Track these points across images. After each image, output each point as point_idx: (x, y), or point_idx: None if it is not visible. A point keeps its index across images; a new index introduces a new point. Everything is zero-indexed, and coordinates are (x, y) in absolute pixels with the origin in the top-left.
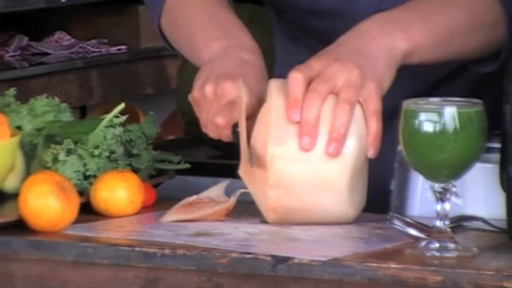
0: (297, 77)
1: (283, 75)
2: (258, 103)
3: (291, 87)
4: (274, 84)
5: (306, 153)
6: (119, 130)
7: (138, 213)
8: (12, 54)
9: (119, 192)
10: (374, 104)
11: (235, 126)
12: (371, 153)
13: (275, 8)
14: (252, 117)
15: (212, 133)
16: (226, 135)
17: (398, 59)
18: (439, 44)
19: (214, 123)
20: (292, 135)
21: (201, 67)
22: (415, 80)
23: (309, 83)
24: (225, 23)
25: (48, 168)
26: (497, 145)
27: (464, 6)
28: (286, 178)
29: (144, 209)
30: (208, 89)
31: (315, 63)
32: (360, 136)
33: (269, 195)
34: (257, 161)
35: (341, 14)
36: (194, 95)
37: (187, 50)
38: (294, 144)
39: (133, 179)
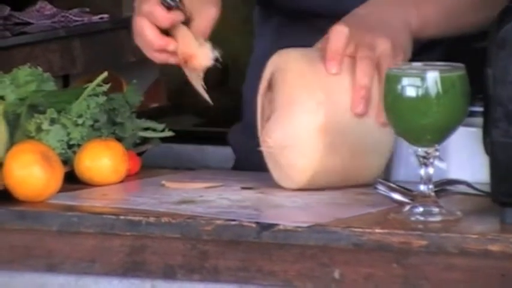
0: (343, 30)
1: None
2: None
3: (334, 38)
4: (290, 54)
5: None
6: (102, 99)
7: (122, 181)
8: None
9: (103, 160)
10: None
11: None
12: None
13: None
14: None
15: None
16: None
17: (413, 34)
18: (448, 20)
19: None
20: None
21: None
22: None
23: (348, 43)
24: None
25: (32, 137)
26: (480, 109)
27: None
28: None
29: (128, 177)
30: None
31: (352, 32)
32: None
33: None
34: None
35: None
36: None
37: None
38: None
39: (117, 147)
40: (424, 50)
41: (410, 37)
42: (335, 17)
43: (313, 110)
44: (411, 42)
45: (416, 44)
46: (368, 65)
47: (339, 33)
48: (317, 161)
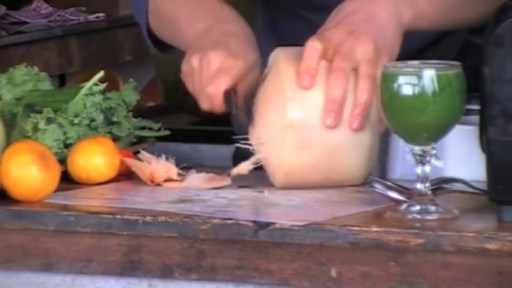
0: (315, 46)
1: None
2: (245, 68)
3: (307, 55)
4: (281, 52)
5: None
6: (98, 98)
7: (118, 180)
8: None
9: (97, 158)
10: None
11: (226, 95)
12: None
13: None
14: (240, 81)
15: (205, 105)
16: (218, 104)
17: (404, 26)
18: (443, 12)
19: (206, 94)
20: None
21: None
22: (402, 44)
23: (324, 54)
24: (204, 2)
25: (29, 137)
26: (477, 107)
27: None
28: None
29: (125, 176)
30: (195, 61)
31: (331, 36)
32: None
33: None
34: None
35: None
36: (183, 69)
37: (176, 39)
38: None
39: (107, 142)
40: (428, 46)
41: (399, 32)
42: (327, 9)
43: (281, 107)
44: (400, 36)
45: (423, 40)
46: (340, 77)
47: (311, 49)
48: (288, 157)
